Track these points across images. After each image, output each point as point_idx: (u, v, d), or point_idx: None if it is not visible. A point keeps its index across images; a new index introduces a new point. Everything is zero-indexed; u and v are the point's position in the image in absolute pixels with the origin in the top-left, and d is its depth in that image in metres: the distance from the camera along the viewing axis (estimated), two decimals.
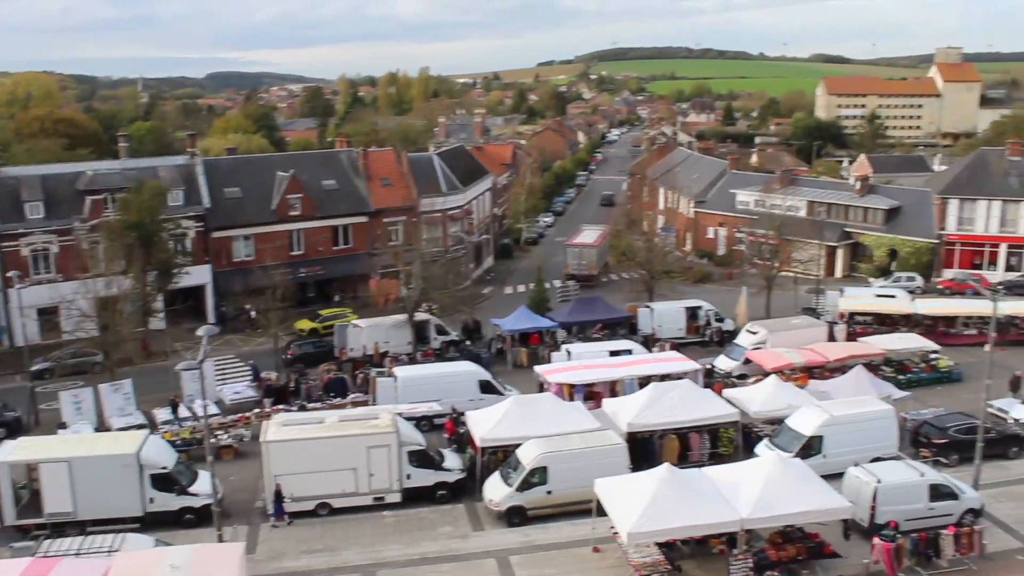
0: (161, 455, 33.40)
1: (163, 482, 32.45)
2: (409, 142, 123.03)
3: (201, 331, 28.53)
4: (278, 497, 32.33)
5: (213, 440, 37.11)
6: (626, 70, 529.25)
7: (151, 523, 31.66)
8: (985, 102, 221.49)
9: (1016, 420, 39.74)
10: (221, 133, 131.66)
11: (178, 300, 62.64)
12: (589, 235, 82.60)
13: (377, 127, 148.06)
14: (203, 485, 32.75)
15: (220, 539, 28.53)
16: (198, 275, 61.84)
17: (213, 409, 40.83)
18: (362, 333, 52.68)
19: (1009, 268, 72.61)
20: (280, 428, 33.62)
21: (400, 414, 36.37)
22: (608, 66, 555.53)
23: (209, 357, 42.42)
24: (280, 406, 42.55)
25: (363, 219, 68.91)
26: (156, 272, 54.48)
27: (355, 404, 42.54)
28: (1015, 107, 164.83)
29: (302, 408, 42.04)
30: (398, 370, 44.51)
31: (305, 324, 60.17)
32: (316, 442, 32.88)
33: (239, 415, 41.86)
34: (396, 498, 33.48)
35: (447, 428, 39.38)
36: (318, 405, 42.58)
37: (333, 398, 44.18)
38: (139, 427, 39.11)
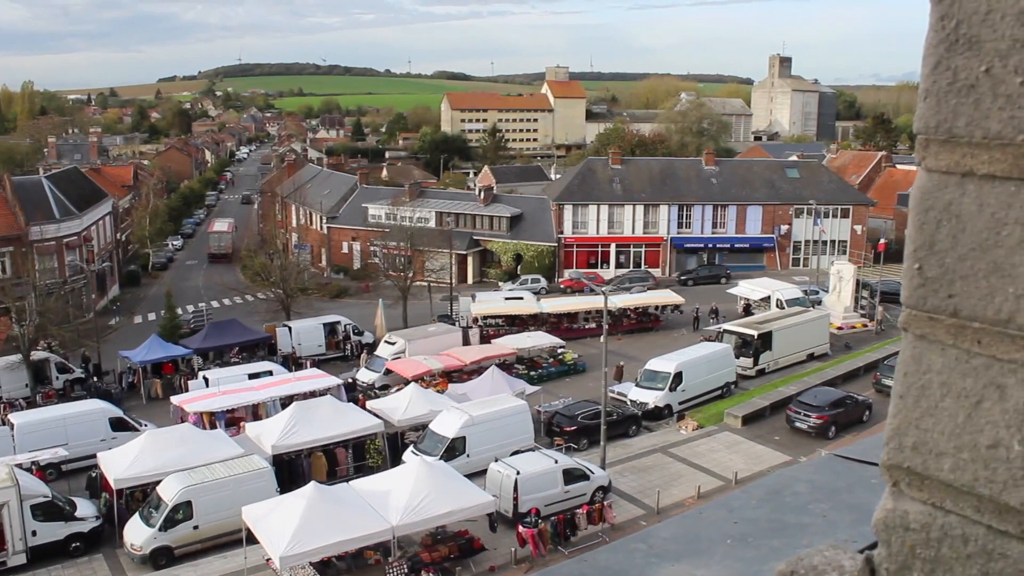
0: None
1: None
2: (14, 164, 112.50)
3: None
4: None
5: None
6: (253, 86, 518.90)
7: None
8: (590, 116, 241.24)
9: (633, 402, 43.84)
10: None
11: None
12: (222, 224, 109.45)
13: None
14: None
15: None
16: None
17: None
18: None
19: (619, 265, 79.96)
20: None
21: (19, 465, 33.18)
22: (234, 82, 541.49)
23: None
24: None
25: None
26: None
27: None
28: (615, 121, 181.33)
29: None
30: (14, 416, 40.47)
31: None
32: None
33: None
34: (21, 560, 30.34)
35: None
36: None
37: None
38: None
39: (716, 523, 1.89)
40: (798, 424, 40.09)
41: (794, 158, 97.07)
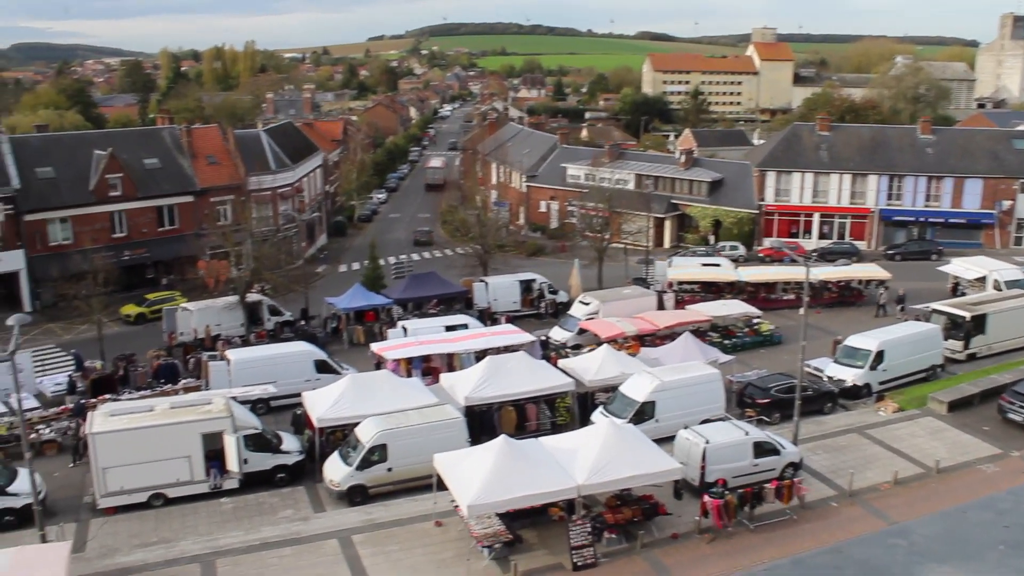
0: None
1: None
2: (236, 118, 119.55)
3: (12, 320, 26.71)
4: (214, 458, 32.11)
5: (33, 435, 35.24)
6: (457, 45, 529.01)
7: None
8: (798, 80, 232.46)
9: (830, 378, 42.30)
10: (30, 109, 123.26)
11: None
12: (437, 161, 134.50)
13: (202, 103, 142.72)
14: (22, 484, 30.55)
15: (43, 539, 27.15)
16: (9, 261, 58.30)
17: (32, 403, 38.77)
18: (192, 316, 50.91)
19: (822, 236, 77.08)
20: (107, 419, 32.03)
21: (234, 398, 35.58)
22: (439, 41, 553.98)
23: (25, 348, 40.14)
24: (106, 395, 40.68)
25: (189, 198, 66.50)
26: None
27: (187, 390, 41.26)
28: (824, 85, 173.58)
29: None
30: (231, 353, 43.33)
31: (131, 309, 57.87)
32: (146, 431, 31.60)
33: (62, 407, 39.74)
34: (234, 484, 32.72)
35: None
36: (147, 393, 41.06)
37: (163, 385, 42.68)
38: None
39: (983, 525, 1.79)
40: (1012, 415, 37.56)
41: (1022, 128, 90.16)
